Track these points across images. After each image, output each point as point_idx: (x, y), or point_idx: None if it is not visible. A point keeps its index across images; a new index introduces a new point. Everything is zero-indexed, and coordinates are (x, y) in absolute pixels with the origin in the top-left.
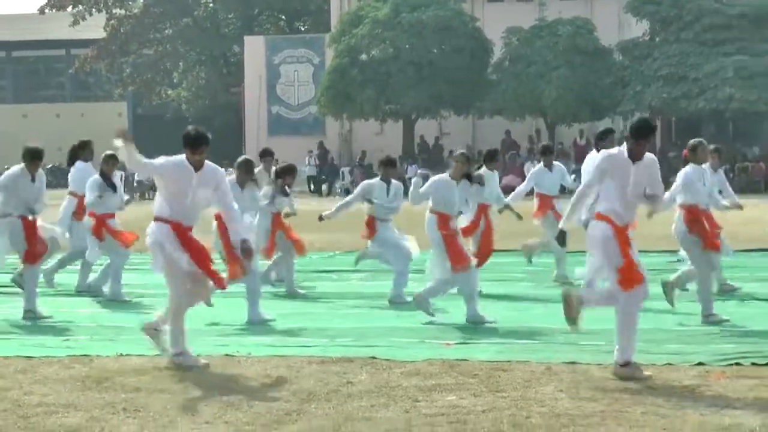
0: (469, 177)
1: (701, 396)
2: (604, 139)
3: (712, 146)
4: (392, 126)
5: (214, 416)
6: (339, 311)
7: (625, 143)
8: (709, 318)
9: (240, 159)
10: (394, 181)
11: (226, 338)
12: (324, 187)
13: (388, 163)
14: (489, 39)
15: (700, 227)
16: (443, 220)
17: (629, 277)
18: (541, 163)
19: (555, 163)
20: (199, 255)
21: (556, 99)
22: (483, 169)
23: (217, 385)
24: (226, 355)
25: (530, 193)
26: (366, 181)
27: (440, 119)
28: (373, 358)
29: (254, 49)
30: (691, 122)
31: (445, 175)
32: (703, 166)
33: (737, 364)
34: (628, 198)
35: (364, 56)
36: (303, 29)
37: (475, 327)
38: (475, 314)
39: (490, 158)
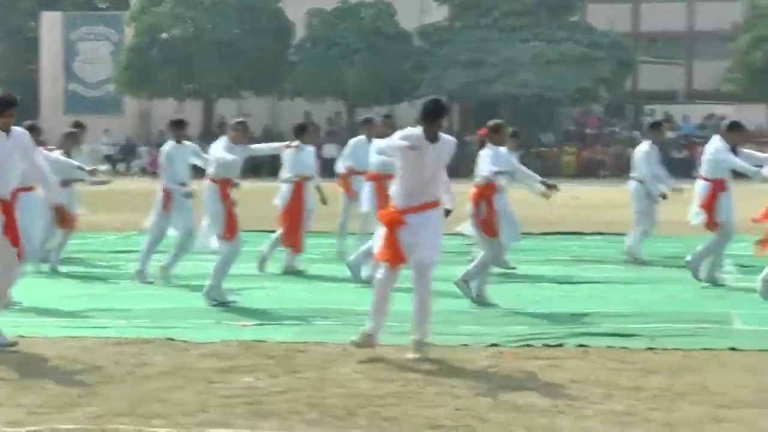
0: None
1: (494, 376)
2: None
3: (510, 130)
4: (192, 105)
5: (7, 399)
6: (136, 292)
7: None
8: (480, 297)
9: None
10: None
11: (19, 319)
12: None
13: (301, 129)
14: (291, 20)
15: (489, 208)
16: (225, 187)
17: (382, 252)
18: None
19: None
20: (13, 231)
21: (357, 82)
22: (297, 143)
23: (10, 366)
24: (21, 336)
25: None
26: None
27: (241, 100)
28: (170, 339)
29: (51, 25)
30: (489, 107)
31: (225, 139)
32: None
33: (529, 345)
34: (423, 179)
35: (164, 35)
36: (102, 6)
37: (270, 310)
38: (218, 291)
39: (302, 131)
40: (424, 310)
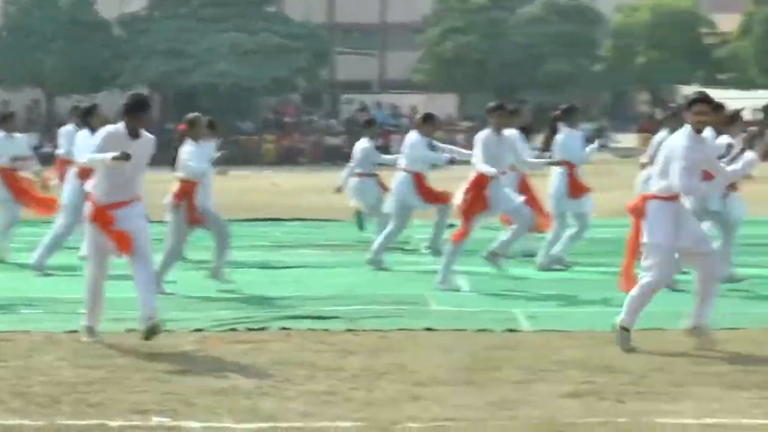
0: None
1: (200, 361)
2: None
3: (206, 119)
4: None
5: None
6: None
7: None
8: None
9: None
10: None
11: None
12: None
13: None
14: None
15: (189, 200)
16: None
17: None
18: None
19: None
20: None
21: (54, 70)
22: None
23: None
24: None
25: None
26: None
27: None
28: None
29: None
30: (188, 96)
31: None
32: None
33: (233, 329)
34: (124, 176)
35: None
36: None
37: None
38: None
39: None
40: (153, 290)
